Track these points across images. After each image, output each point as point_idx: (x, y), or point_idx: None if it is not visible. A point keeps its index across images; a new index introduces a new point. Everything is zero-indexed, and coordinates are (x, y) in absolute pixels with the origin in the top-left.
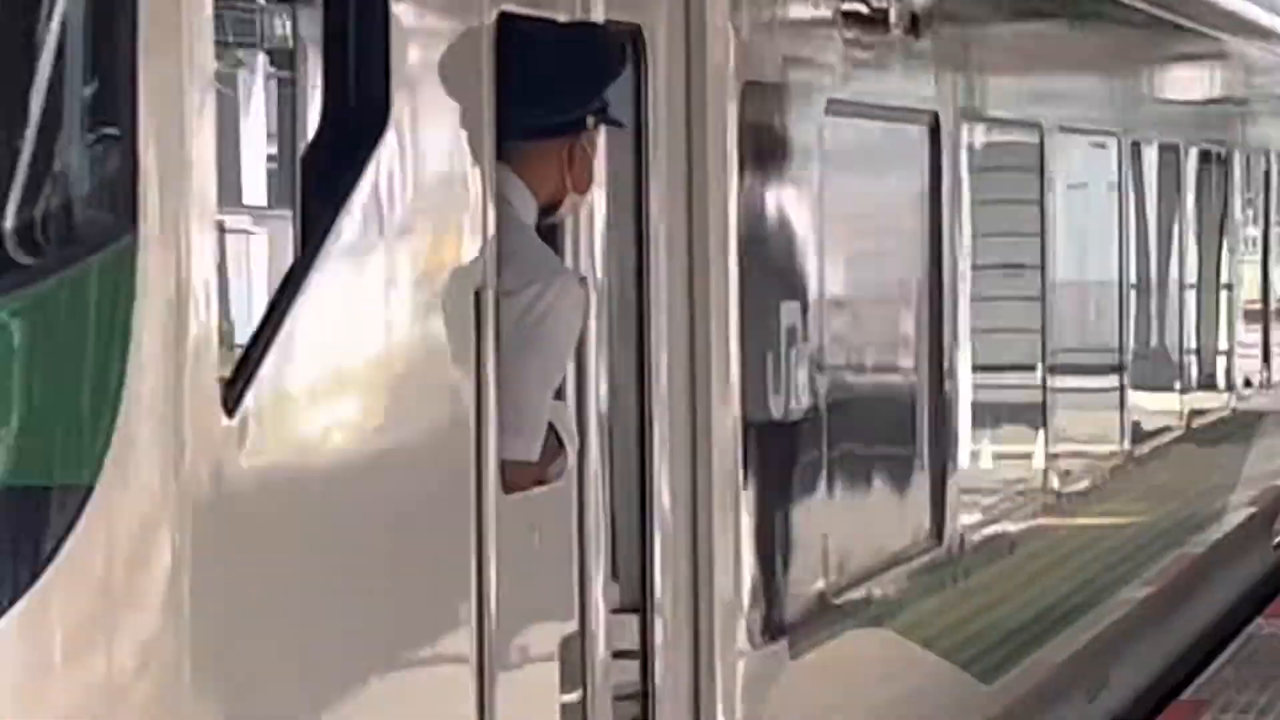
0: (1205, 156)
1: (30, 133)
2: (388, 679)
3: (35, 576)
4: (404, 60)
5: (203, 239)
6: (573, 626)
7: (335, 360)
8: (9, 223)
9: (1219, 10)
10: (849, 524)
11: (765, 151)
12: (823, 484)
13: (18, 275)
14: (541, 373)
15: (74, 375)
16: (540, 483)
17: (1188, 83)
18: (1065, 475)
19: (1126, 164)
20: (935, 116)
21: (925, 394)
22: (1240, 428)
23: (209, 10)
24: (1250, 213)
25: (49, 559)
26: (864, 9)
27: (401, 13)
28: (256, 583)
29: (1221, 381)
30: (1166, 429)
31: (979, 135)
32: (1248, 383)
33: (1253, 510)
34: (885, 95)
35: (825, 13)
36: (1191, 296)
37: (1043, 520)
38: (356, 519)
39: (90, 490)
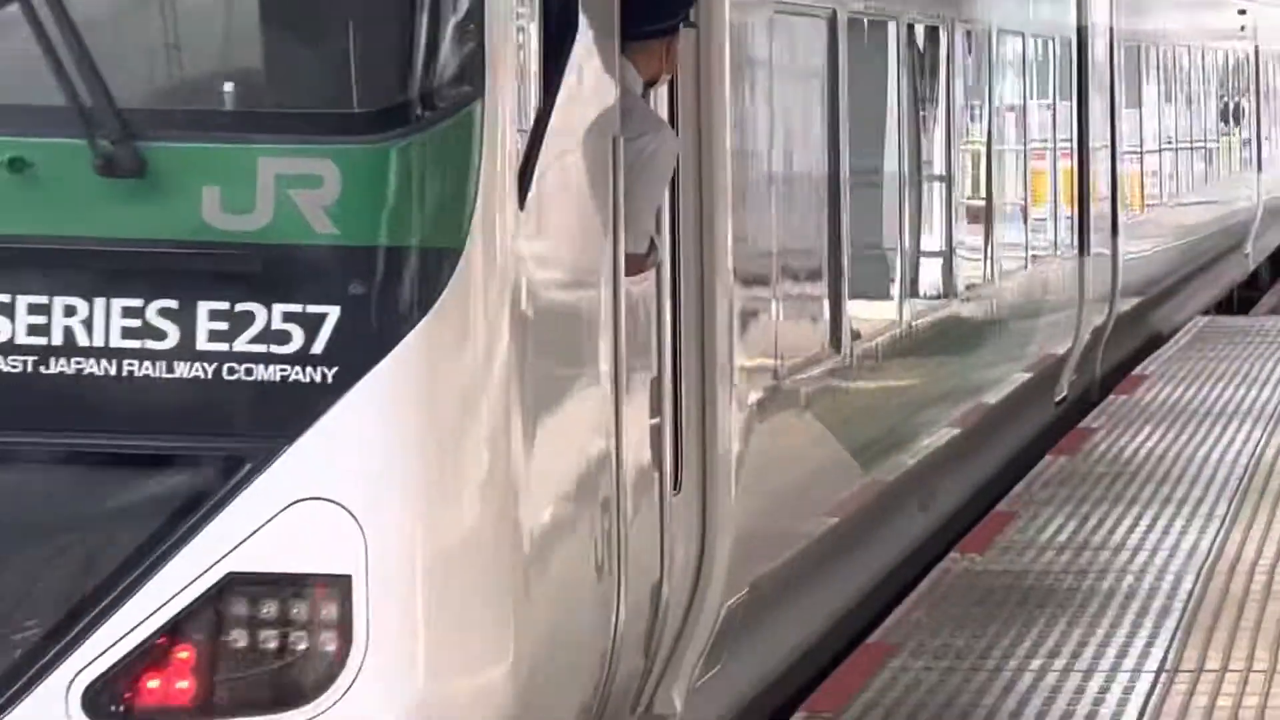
0: (919, 31)
1: (423, 38)
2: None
3: (415, 319)
4: None
5: (510, 100)
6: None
7: (560, 178)
8: (415, 91)
9: None
10: (791, 338)
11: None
12: (775, 309)
13: (420, 121)
14: (649, 195)
15: (451, 180)
16: (641, 270)
17: None
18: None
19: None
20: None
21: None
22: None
23: None
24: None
25: (425, 310)
26: None
27: None
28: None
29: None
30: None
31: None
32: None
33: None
34: None
35: None
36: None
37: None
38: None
39: (460, 252)
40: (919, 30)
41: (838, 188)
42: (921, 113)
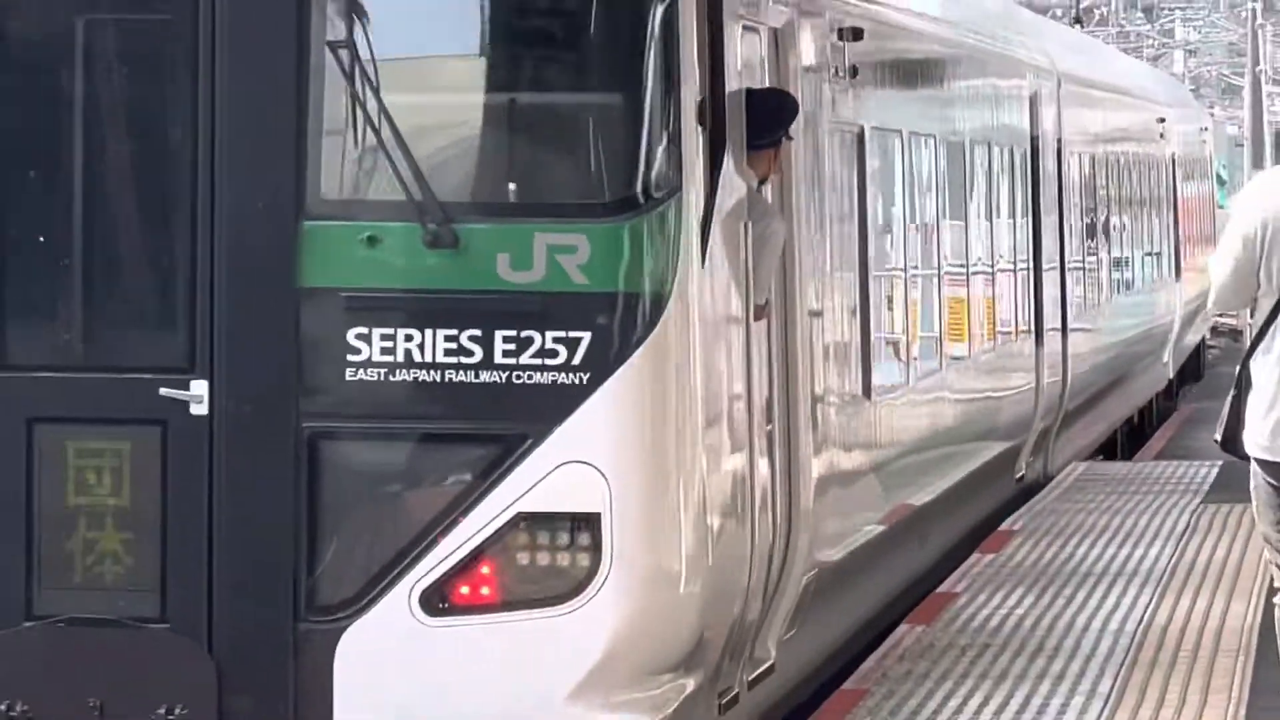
0: (932, 146)
1: (644, 154)
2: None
3: (637, 346)
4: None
5: (695, 193)
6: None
7: (718, 247)
8: (638, 188)
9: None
10: (840, 387)
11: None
12: (831, 364)
13: (642, 208)
14: (768, 265)
15: (661, 247)
16: (760, 317)
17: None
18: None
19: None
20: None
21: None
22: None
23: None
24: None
25: (647, 332)
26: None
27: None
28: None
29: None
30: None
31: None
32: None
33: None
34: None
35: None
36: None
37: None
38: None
39: (669, 292)
40: (931, 144)
41: (866, 273)
42: (927, 218)
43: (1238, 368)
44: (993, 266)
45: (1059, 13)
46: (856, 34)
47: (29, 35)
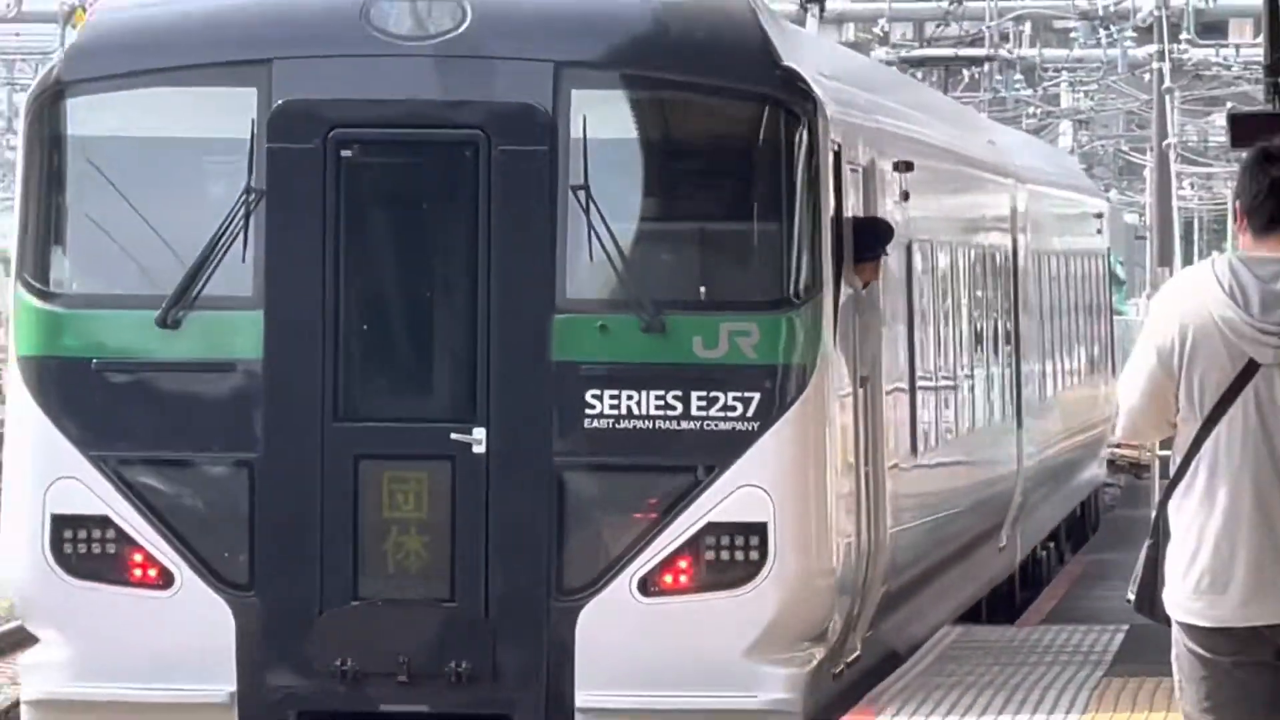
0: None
1: (797, 268)
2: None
3: (790, 402)
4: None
5: (829, 294)
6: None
7: (841, 333)
8: (794, 291)
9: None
10: (898, 442)
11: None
12: (897, 427)
13: (795, 305)
14: (870, 347)
15: (810, 331)
16: (863, 386)
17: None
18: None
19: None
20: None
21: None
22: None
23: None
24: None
25: (800, 393)
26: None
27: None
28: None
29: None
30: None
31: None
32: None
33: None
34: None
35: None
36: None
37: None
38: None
39: (814, 365)
40: (962, 253)
41: (913, 360)
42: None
43: (1154, 512)
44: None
45: (918, 74)
46: (908, 166)
47: (379, 184)
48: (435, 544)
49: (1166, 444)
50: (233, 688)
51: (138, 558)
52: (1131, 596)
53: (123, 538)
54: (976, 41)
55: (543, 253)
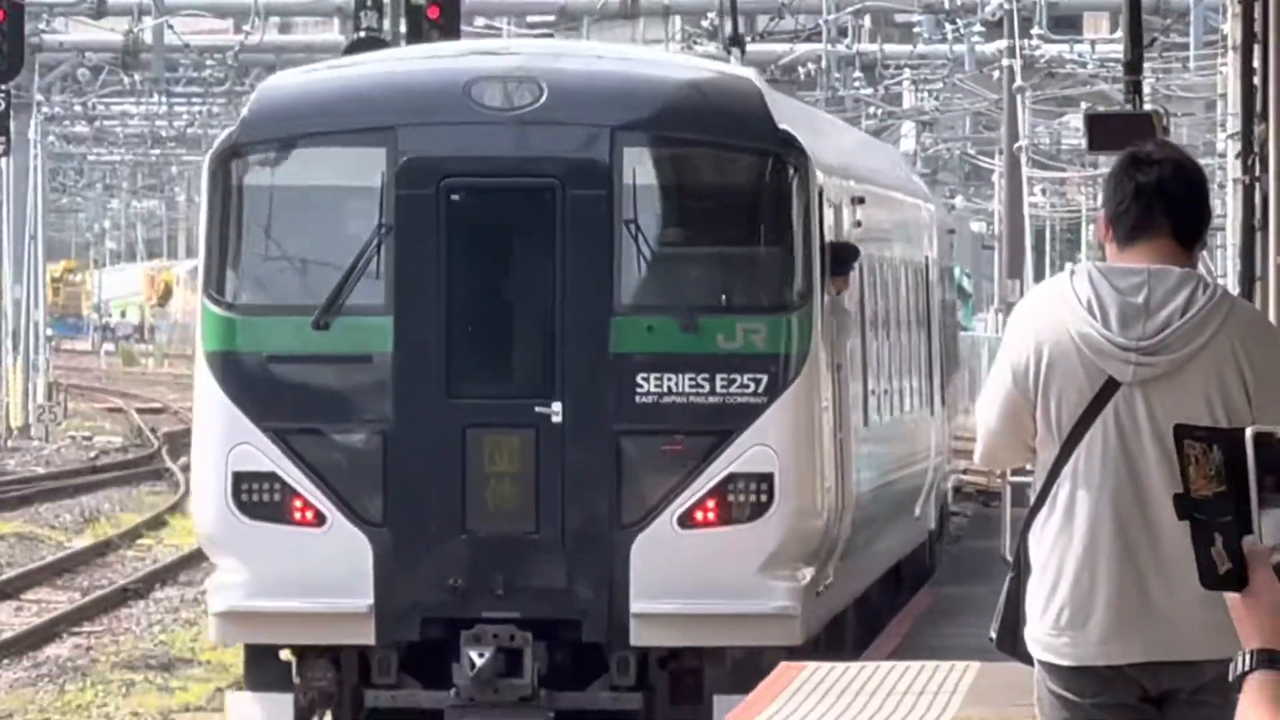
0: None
1: (794, 282)
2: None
3: (790, 382)
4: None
5: (819, 300)
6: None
7: (825, 329)
8: (792, 298)
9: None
10: (859, 414)
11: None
12: (862, 402)
13: (792, 309)
14: (842, 342)
15: (804, 328)
16: (839, 373)
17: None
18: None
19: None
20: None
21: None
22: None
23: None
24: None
25: (796, 375)
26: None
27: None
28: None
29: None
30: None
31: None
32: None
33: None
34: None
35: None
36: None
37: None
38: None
39: (802, 358)
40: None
41: (865, 349)
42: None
43: (1014, 542)
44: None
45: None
46: (861, 200)
47: (479, 220)
48: (523, 491)
49: (1018, 470)
50: (370, 601)
51: (297, 503)
52: (994, 634)
53: (286, 488)
54: (813, 37)
55: (603, 270)
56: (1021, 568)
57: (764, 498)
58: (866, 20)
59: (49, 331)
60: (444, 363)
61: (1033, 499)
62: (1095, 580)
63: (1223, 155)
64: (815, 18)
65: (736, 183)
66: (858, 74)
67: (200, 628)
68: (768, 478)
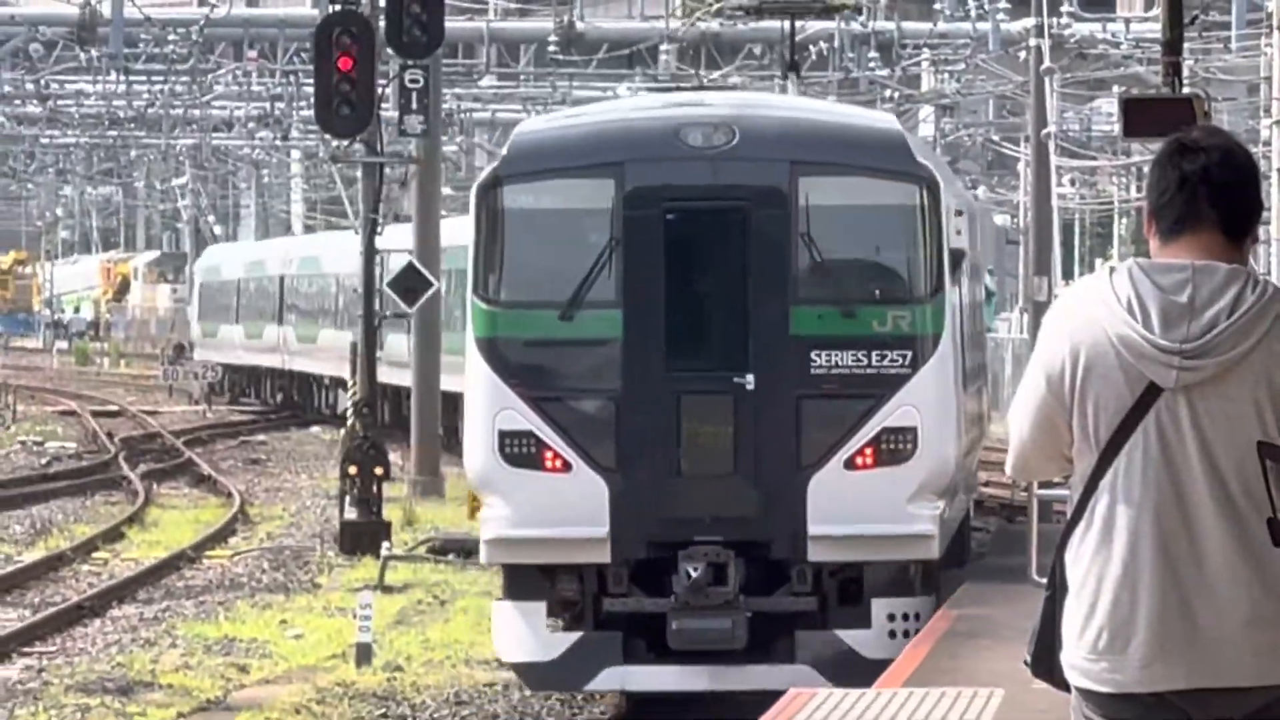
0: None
1: (931, 277)
2: None
3: (928, 357)
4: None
5: (950, 289)
6: None
7: (954, 315)
8: (929, 290)
9: None
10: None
11: None
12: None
13: (930, 299)
14: (962, 324)
15: (940, 313)
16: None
17: None
18: None
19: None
20: None
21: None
22: None
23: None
24: None
25: (933, 352)
26: None
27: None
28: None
29: None
30: None
31: None
32: None
33: None
34: None
35: None
36: None
37: None
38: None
39: (936, 338)
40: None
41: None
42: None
43: (1052, 561)
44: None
45: (767, 59)
46: (960, 213)
47: (689, 234)
48: (724, 442)
49: (1045, 482)
50: (607, 529)
51: (549, 454)
52: (1029, 658)
53: (540, 443)
54: (825, 12)
55: (783, 272)
56: (1058, 587)
57: (910, 446)
58: None
59: None
60: (662, 344)
61: (1069, 513)
62: (1136, 601)
63: (1267, 144)
64: None
65: (885, 203)
66: (873, 54)
67: (160, 648)
68: (913, 430)
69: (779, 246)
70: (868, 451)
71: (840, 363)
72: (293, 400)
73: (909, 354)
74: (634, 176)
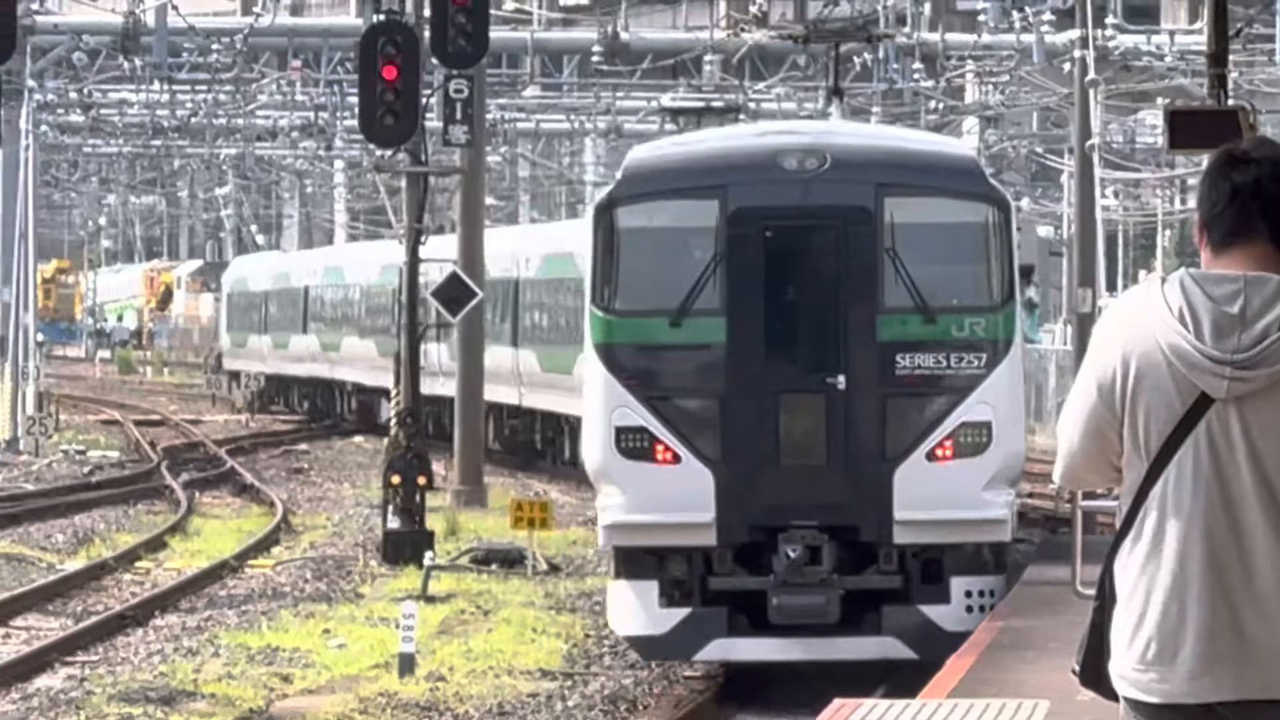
0: None
1: (1003, 288)
2: None
3: (1000, 359)
4: None
5: (1016, 297)
6: None
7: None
8: (1000, 298)
9: None
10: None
11: None
12: None
13: (1003, 307)
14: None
15: (1011, 320)
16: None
17: None
18: None
19: None
20: None
21: None
22: None
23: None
24: None
25: (1005, 354)
26: None
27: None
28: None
29: None
30: None
31: None
32: None
33: None
34: None
35: None
36: None
37: None
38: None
39: (1008, 342)
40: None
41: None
42: None
43: (1101, 571)
44: None
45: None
46: (1019, 229)
47: (785, 248)
48: (818, 436)
49: (1089, 493)
50: (712, 515)
51: (660, 447)
52: (1076, 667)
53: (652, 437)
54: (870, 24)
55: (870, 283)
56: (1106, 596)
57: (985, 439)
58: (927, 7)
59: (39, 337)
60: (762, 348)
61: (1118, 522)
62: (1185, 612)
63: None
64: (873, 4)
65: (962, 221)
66: (917, 65)
67: (203, 658)
68: (988, 425)
69: (867, 260)
70: (947, 444)
71: (922, 364)
72: (316, 406)
73: (984, 356)
74: (736, 197)
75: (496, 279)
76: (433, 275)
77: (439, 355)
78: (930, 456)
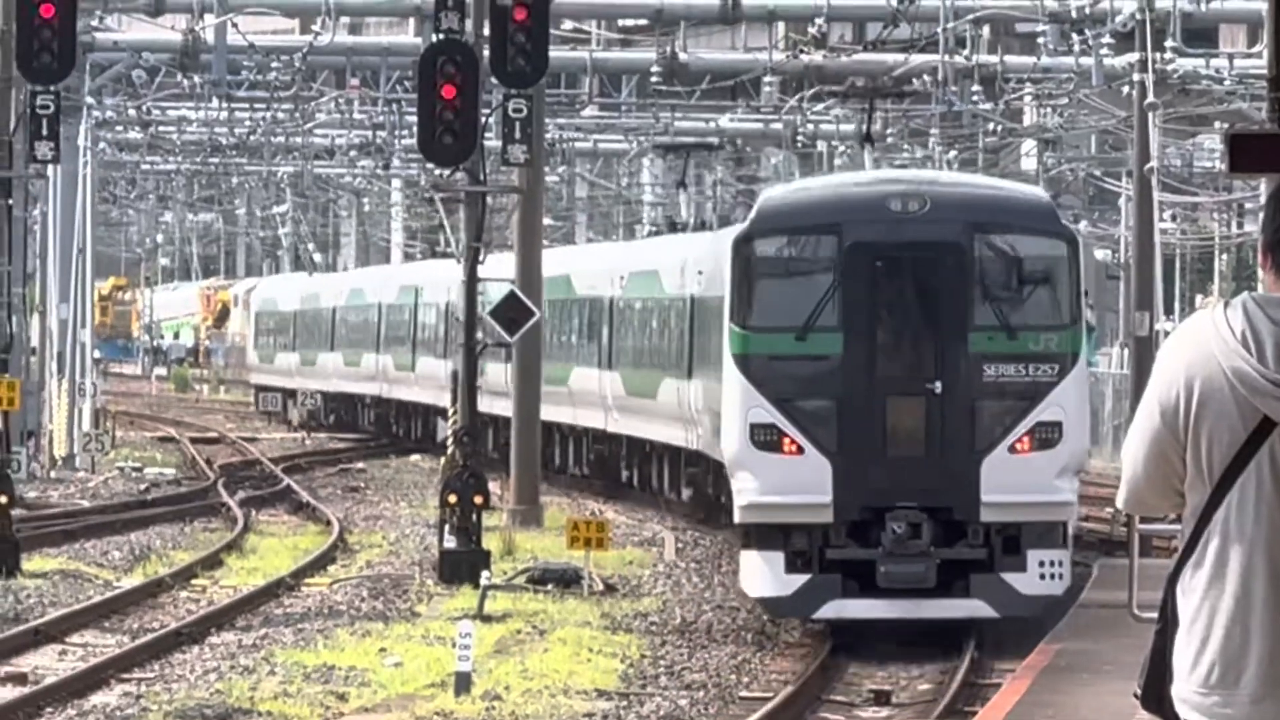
0: None
1: (1069, 310)
2: None
3: (1070, 369)
4: None
5: (1080, 318)
6: None
7: None
8: (1067, 319)
9: None
10: None
11: None
12: None
13: (1070, 327)
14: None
15: (1078, 337)
16: None
17: None
18: None
19: None
20: None
21: None
22: None
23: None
24: None
25: (1073, 365)
26: None
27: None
28: None
29: None
30: None
31: None
32: None
33: None
34: None
35: None
36: None
37: None
38: None
39: (1076, 356)
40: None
41: None
42: None
43: (1162, 594)
44: None
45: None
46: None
47: (893, 276)
48: (919, 432)
49: (1146, 517)
50: (830, 497)
51: (787, 440)
52: (1138, 690)
53: (780, 433)
54: (929, 47)
55: (963, 305)
56: (1168, 620)
57: (1057, 436)
58: (986, 30)
59: (96, 354)
60: (873, 358)
61: (1180, 546)
62: (1248, 636)
63: None
64: (932, 26)
65: (1040, 253)
66: (976, 87)
67: (259, 676)
68: (1059, 424)
69: (960, 286)
70: (1025, 439)
71: (1005, 373)
72: (341, 419)
73: (1057, 366)
74: (851, 233)
75: (583, 297)
76: (491, 294)
77: (502, 374)
78: (1011, 449)
